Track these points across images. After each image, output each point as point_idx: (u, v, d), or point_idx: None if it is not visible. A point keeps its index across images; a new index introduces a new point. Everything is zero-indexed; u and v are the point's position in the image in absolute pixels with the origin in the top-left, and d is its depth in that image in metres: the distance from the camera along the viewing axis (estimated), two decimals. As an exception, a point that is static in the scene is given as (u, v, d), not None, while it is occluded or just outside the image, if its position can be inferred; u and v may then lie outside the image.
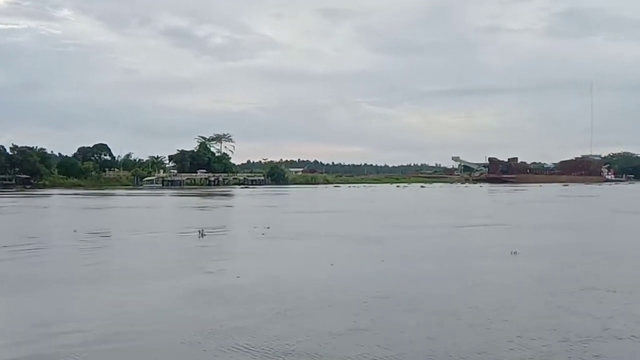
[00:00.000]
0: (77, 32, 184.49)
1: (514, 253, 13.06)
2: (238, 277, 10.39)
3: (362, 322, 7.00)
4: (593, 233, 18.94)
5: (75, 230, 19.00)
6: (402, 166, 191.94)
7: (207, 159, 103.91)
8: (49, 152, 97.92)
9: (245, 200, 47.85)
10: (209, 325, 6.93)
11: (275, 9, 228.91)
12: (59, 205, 38.77)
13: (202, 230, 17.57)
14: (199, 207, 36.76)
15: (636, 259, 12.61)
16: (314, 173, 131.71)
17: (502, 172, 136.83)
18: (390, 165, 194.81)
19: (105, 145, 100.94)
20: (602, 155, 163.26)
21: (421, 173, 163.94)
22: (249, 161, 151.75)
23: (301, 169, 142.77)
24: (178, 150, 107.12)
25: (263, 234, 17.92)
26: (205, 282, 9.88)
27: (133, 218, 26.78)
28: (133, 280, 10.21)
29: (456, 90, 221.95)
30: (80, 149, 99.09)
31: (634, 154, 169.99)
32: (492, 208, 36.41)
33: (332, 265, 11.81)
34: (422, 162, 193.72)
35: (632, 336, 6.27)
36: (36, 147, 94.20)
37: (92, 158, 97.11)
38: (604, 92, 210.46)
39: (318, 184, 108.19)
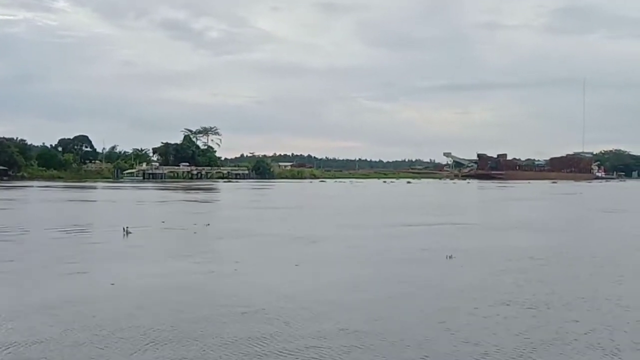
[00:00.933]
0: (74, 23, 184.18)
1: (450, 257, 11.74)
2: (112, 284, 9.00)
3: (188, 349, 5.62)
4: (554, 235, 17.49)
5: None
6: (396, 161, 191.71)
7: (191, 152, 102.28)
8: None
9: (214, 194, 46.55)
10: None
11: (273, 2, 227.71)
12: (16, 199, 37.22)
13: (127, 227, 16.12)
14: (159, 201, 35.33)
15: (586, 266, 11.20)
16: (302, 167, 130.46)
17: (491, 168, 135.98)
18: (385, 161, 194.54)
19: (86, 136, 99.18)
20: (594, 153, 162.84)
21: (412, 168, 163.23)
22: (242, 155, 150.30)
23: (291, 163, 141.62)
24: (162, 142, 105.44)
25: (195, 233, 16.57)
26: (67, 289, 8.49)
27: (76, 213, 25.36)
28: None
29: (453, 86, 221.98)
30: (61, 141, 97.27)
31: (626, 152, 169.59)
32: (464, 206, 35.13)
33: (235, 270, 10.46)
34: (417, 158, 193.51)
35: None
36: (17, 137, 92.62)
37: (73, 150, 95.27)
38: (601, 89, 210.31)
39: (304, 178, 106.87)
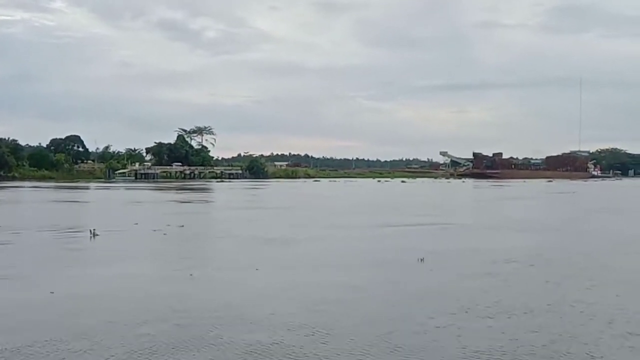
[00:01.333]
0: (71, 24, 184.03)
1: (421, 260, 11.19)
2: (52, 292, 8.43)
3: None
4: (540, 235, 16.80)
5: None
6: (393, 161, 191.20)
7: (184, 151, 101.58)
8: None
9: (203, 195, 45.98)
10: None
11: (271, 1, 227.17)
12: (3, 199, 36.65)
13: (94, 230, 15.53)
14: (143, 202, 34.71)
15: (563, 269, 10.65)
16: (297, 167, 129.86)
17: (487, 167, 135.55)
18: (383, 160, 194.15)
19: (78, 136, 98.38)
20: (591, 151, 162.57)
21: (408, 168, 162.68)
22: (239, 154, 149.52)
23: (287, 163, 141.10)
24: (155, 142, 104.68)
25: (165, 234, 15.97)
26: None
27: (55, 214, 24.80)
28: None
29: (451, 85, 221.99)
30: (53, 141, 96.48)
31: (622, 150, 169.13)
32: (455, 205, 34.61)
33: (191, 275, 9.91)
34: (414, 157, 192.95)
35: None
36: (8, 138, 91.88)
37: (65, 150, 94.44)
38: (597, 88, 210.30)
39: (299, 178, 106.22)
